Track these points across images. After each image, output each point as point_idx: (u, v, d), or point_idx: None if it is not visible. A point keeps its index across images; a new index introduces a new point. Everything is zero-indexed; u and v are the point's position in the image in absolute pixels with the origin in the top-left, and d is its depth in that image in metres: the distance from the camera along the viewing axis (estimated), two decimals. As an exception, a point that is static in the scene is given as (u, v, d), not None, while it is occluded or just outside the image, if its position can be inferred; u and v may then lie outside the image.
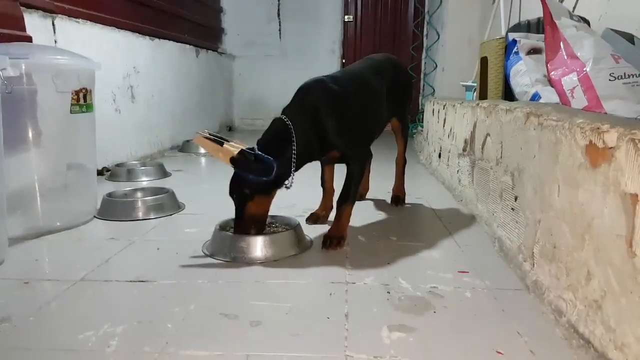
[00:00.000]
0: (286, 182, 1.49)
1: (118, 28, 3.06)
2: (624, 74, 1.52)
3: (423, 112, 5.18)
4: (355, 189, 1.62)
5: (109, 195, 2.04)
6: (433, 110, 3.22)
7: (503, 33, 3.01)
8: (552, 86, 1.68)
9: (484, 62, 2.57)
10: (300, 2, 5.37)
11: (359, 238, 1.68)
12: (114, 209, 1.95)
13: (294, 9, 5.38)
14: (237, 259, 1.45)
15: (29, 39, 2.18)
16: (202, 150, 3.76)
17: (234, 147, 1.42)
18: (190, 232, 1.76)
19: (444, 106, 2.82)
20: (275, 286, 1.28)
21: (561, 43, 1.66)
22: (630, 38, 1.75)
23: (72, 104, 1.77)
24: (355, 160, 1.62)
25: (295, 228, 1.58)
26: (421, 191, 2.42)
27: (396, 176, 2.18)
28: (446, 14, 4.50)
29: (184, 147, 3.83)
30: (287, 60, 5.47)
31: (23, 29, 2.20)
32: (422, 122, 5.03)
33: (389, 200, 2.20)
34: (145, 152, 3.41)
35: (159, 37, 3.66)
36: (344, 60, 5.52)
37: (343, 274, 1.34)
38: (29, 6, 2.28)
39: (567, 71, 1.62)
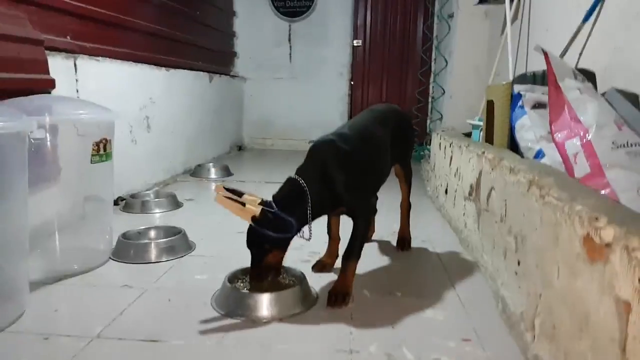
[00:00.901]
0: (304, 235, 1.58)
1: (135, 62, 3.15)
2: (627, 142, 1.56)
3: (430, 136, 5.24)
4: (360, 245, 1.67)
5: (124, 236, 2.10)
6: (440, 144, 3.27)
7: (510, 71, 3.06)
8: (556, 147, 1.72)
9: (490, 105, 2.62)
10: (310, 26, 5.46)
11: (364, 292, 1.72)
12: (128, 251, 2.01)
13: (304, 33, 5.48)
14: (244, 317, 1.50)
15: (52, 82, 2.26)
16: (213, 175, 3.84)
17: (253, 205, 1.48)
18: (201, 279, 1.82)
19: (450, 144, 2.86)
20: (279, 353, 1.33)
21: (565, 105, 1.70)
22: (635, 99, 1.78)
23: (92, 155, 1.84)
24: (361, 216, 1.69)
25: (301, 283, 1.63)
26: (427, 232, 2.46)
27: (401, 220, 2.23)
28: (454, 41, 4.55)
29: (196, 172, 3.91)
30: (297, 82, 5.56)
31: (47, 72, 2.28)
32: (430, 145, 5.08)
33: (394, 242, 2.25)
34: (159, 178, 3.49)
35: (174, 67, 3.74)
36: (352, 83, 5.60)
37: (347, 340, 1.39)
38: (53, 49, 2.36)
39: (571, 135, 1.66)
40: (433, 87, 5.25)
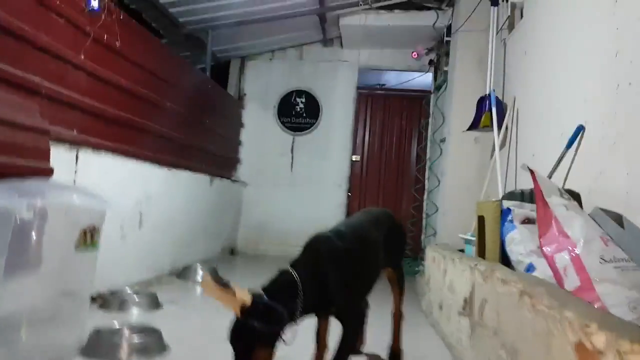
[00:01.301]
0: (287, 337, 1.45)
1: (136, 158, 3.23)
2: (614, 257, 1.56)
3: (425, 251, 5.21)
4: (347, 353, 1.58)
5: (96, 332, 1.99)
6: (434, 257, 3.24)
7: (500, 189, 3.13)
8: (546, 260, 1.71)
9: (481, 220, 2.65)
10: (312, 141, 5.78)
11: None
12: (98, 348, 1.90)
13: (306, 146, 5.78)
14: None
15: (50, 171, 2.29)
16: (199, 278, 3.75)
17: (243, 295, 1.39)
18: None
19: (444, 257, 2.84)
20: None
21: (552, 221, 1.72)
22: (619, 219, 1.81)
23: (78, 242, 1.81)
24: (351, 320, 1.63)
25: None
26: (420, 349, 2.34)
27: (393, 332, 2.13)
28: (446, 163, 4.73)
29: (183, 274, 3.81)
30: (296, 190, 5.71)
31: (47, 161, 2.33)
32: (424, 260, 5.04)
33: (384, 356, 2.12)
34: (144, 277, 3.39)
35: (176, 167, 3.84)
36: (349, 194, 5.76)
37: None
38: (59, 139, 2.43)
39: (560, 248, 1.65)
40: (427, 203, 5.35)
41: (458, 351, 2.25)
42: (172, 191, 3.81)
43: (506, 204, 2.16)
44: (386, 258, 1.95)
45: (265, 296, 1.42)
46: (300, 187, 5.73)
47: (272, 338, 1.42)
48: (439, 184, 4.91)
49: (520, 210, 2.08)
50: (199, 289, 3.56)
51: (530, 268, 1.87)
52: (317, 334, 1.82)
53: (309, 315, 1.57)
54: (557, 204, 1.76)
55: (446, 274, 2.75)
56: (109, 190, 2.86)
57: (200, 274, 3.81)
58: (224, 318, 2.63)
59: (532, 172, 1.92)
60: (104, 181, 2.81)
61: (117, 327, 2.13)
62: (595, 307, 1.45)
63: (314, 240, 1.66)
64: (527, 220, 2.03)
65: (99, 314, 2.54)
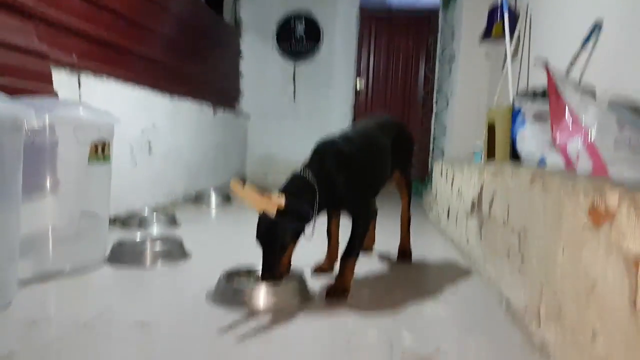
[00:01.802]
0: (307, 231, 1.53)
1: (139, 85, 3.20)
2: (629, 140, 1.56)
3: (432, 174, 5.25)
4: (359, 243, 1.64)
5: (119, 242, 2.06)
6: (441, 171, 3.27)
7: (511, 98, 3.10)
8: (558, 152, 1.72)
9: (491, 128, 2.64)
10: (314, 68, 5.60)
11: (363, 291, 1.67)
12: (122, 255, 1.97)
13: (308, 74, 5.62)
14: (240, 309, 1.44)
15: (55, 94, 2.29)
16: (214, 202, 3.82)
17: (276, 195, 1.45)
18: (196, 281, 1.77)
19: (452, 167, 2.86)
20: (277, 338, 1.27)
21: (566, 110, 1.72)
22: (635, 108, 1.79)
23: (90, 156, 1.83)
24: (361, 216, 1.67)
25: (299, 278, 1.59)
26: (429, 249, 2.41)
27: (401, 232, 2.19)
28: (455, 83, 4.65)
29: (197, 199, 3.89)
30: (300, 121, 5.64)
31: (51, 84, 2.32)
32: (432, 183, 5.08)
33: (395, 256, 2.20)
34: (159, 202, 3.46)
35: (178, 95, 3.81)
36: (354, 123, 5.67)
37: (345, 328, 1.33)
38: (58, 63, 2.41)
39: (572, 137, 1.66)
40: (435, 126, 5.31)
41: (466, 250, 2.32)
42: (177, 121, 3.80)
43: (517, 103, 2.15)
44: (394, 163, 1.98)
45: (294, 198, 1.46)
46: (304, 118, 5.65)
47: (298, 234, 1.51)
48: (448, 105, 4.86)
49: (532, 106, 2.07)
50: (214, 212, 3.64)
51: (541, 162, 1.89)
52: (329, 232, 1.90)
53: (322, 212, 1.63)
54: (571, 93, 1.74)
55: (454, 183, 2.79)
56: (118, 116, 2.85)
57: (213, 197, 3.88)
58: (241, 233, 2.72)
59: (545, 65, 1.89)
60: (109, 107, 2.77)
61: (140, 236, 2.20)
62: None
63: (321, 146, 1.69)
64: (539, 117, 2.02)
65: (119, 232, 2.62)
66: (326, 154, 1.65)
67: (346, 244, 1.64)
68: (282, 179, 5.86)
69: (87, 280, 1.76)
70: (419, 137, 5.48)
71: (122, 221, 2.78)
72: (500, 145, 2.42)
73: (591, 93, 2.09)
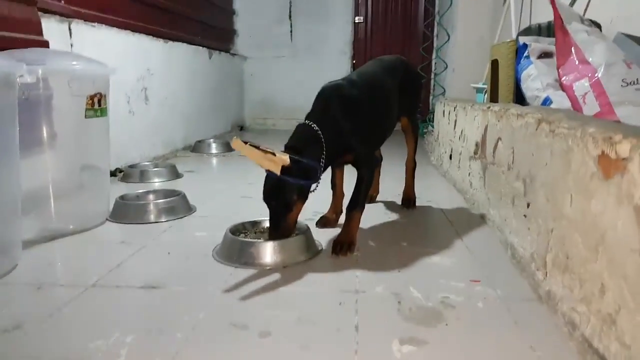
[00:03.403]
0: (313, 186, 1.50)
1: (132, 31, 3.09)
2: (637, 79, 1.51)
3: (434, 112, 5.17)
4: (365, 195, 1.62)
5: (122, 197, 2.06)
6: (444, 111, 3.21)
7: (514, 35, 2.98)
8: (564, 91, 1.67)
9: (494, 64, 2.56)
10: (311, 3, 5.37)
11: (369, 243, 1.68)
12: (126, 212, 1.97)
13: (305, 10, 5.39)
14: (247, 265, 1.45)
15: (45, 44, 2.21)
16: (214, 151, 3.79)
17: (281, 153, 1.40)
18: (201, 236, 1.78)
19: (454, 108, 2.81)
20: (284, 294, 1.28)
21: (572, 48, 1.65)
22: (644, 42, 1.72)
23: (86, 109, 1.79)
24: (366, 165, 1.64)
25: (305, 233, 1.59)
26: (432, 194, 2.41)
27: (406, 179, 2.18)
28: (456, 14, 4.47)
29: (196, 148, 3.86)
30: (298, 60, 5.48)
31: (40, 33, 2.23)
32: (433, 122, 5.02)
33: (399, 202, 2.20)
34: (158, 152, 3.44)
35: (172, 40, 3.68)
36: (354, 61, 5.52)
37: (353, 282, 1.35)
38: (47, 11, 2.30)
39: (579, 76, 1.60)
40: (436, 62, 5.17)
41: (470, 194, 2.31)
42: (173, 66, 3.70)
43: (522, 39, 2.07)
44: (402, 107, 1.92)
45: (299, 155, 1.42)
46: (302, 58, 5.49)
47: (307, 192, 1.48)
48: (449, 39, 4.70)
49: (537, 44, 1.99)
50: (215, 160, 3.62)
51: (546, 101, 1.84)
52: (333, 182, 1.87)
53: (330, 164, 1.61)
54: (577, 30, 1.67)
55: (456, 123, 2.74)
56: (109, 63, 2.77)
57: (213, 146, 3.84)
58: (243, 182, 2.71)
59: (552, -1, 1.80)
60: (102, 55, 2.67)
61: (142, 192, 2.19)
62: (615, 129, 1.44)
63: (327, 90, 1.62)
64: (544, 54, 1.95)
65: (121, 186, 2.62)
66: (331, 99, 1.58)
67: (352, 196, 1.63)
68: (282, 123, 5.83)
69: (91, 238, 1.77)
70: (420, 74, 5.34)
71: (123, 174, 2.77)
72: (504, 84, 2.36)
73: (597, 25, 2.01)
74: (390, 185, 2.37)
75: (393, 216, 2.03)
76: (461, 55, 4.39)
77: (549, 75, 1.86)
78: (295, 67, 5.48)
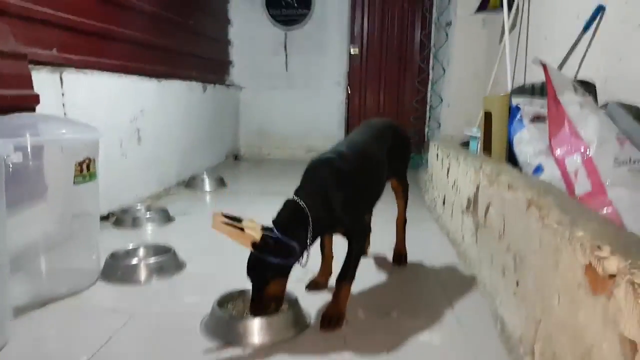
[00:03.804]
0: (300, 261, 1.50)
1: (125, 73, 3.09)
2: (630, 159, 1.51)
3: (428, 144, 5.19)
4: (354, 266, 1.61)
5: (112, 256, 2.04)
6: (437, 155, 3.22)
7: (509, 78, 3.01)
8: (556, 164, 1.67)
9: (487, 116, 2.57)
10: (306, 35, 5.40)
11: (358, 314, 1.66)
12: (116, 272, 1.96)
13: (300, 41, 5.42)
14: (234, 343, 1.44)
15: (36, 98, 2.20)
16: (207, 188, 3.78)
17: (254, 230, 1.40)
18: (190, 303, 1.76)
19: (447, 155, 2.81)
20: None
21: (565, 120, 1.66)
22: (637, 113, 1.73)
23: (75, 175, 1.78)
24: (357, 237, 1.63)
25: (293, 307, 1.58)
26: (424, 244, 2.40)
27: (397, 235, 2.18)
28: (452, 50, 4.52)
29: (190, 183, 3.85)
30: (293, 91, 5.51)
31: (30, 87, 2.22)
32: (427, 156, 5.03)
33: (390, 257, 2.20)
34: (152, 191, 3.43)
35: (166, 77, 3.69)
36: (349, 92, 5.55)
37: (341, 368, 1.33)
38: (37, 63, 2.31)
39: (571, 151, 1.61)
40: (431, 95, 5.20)
41: (462, 248, 2.31)
42: (167, 103, 3.70)
43: (515, 100, 2.08)
44: (391, 169, 1.93)
45: (275, 230, 1.43)
46: (297, 88, 5.51)
47: (285, 269, 1.47)
48: (444, 73, 4.73)
49: (530, 107, 2.00)
50: (208, 197, 3.61)
51: (538, 169, 1.84)
52: (322, 246, 1.87)
53: (319, 237, 1.61)
54: (570, 102, 1.68)
55: (449, 172, 2.75)
56: (102, 110, 2.79)
57: (206, 182, 3.83)
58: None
59: (544, 66, 1.81)
60: (94, 101, 2.72)
61: (132, 248, 2.18)
62: (606, 211, 1.44)
63: (317, 165, 1.63)
64: (537, 118, 1.96)
65: (113, 233, 2.61)
66: (320, 175, 1.59)
67: (342, 267, 1.62)
68: (277, 153, 5.80)
69: (83, 304, 1.74)
70: (414, 107, 5.38)
71: (115, 219, 2.76)
72: (496, 141, 2.37)
73: (591, 90, 2.02)
74: (382, 234, 2.35)
75: (383, 275, 2.02)
76: (456, 90, 4.42)
77: (542, 141, 1.86)
78: (291, 97, 5.50)
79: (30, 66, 2.22)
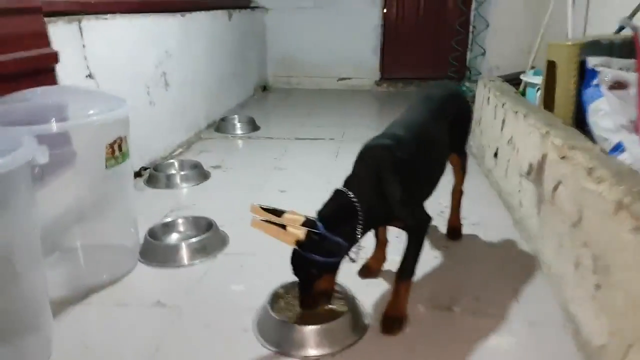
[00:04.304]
0: (352, 255, 1.38)
1: (147, 12, 2.84)
2: None
3: (470, 71, 4.83)
4: (415, 261, 1.48)
5: (151, 233, 1.97)
6: (489, 99, 2.95)
7: (569, 13, 2.64)
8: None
9: (551, 66, 2.29)
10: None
11: (418, 309, 1.57)
12: (157, 254, 1.89)
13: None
14: (290, 353, 1.37)
15: (54, 56, 2.03)
16: (239, 131, 3.63)
17: (296, 226, 1.28)
18: (239, 291, 1.69)
19: (502, 105, 2.55)
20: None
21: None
22: None
23: (107, 159, 1.65)
24: (417, 229, 1.49)
25: (352, 308, 1.49)
26: (476, 205, 2.25)
27: (452, 208, 2.03)
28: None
29: (221, 127, 3.69)
30: (323, 12, 5.08)
31: (47, 45, 2.04)
32: (467, 82, 4.71)
33: (440, 227, 2.07)
34: (182, 138, 3.30)
35: (190, 10, 3.40)
36: (385, 10, 5.09)
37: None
38: (53, 14, 2.09)
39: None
40: (475, 16, 4.72)
41: (519, 216, 2.15)
42: (191, 39, 3.45)
43: (591, 62, 1.80)
44: (452, 144, 1.74)
45: (321, 226, 1.29)
46: (327, 8, 5.07)
47: (333, 266, 1.35)
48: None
49: (609, 71, 1.73)
50: (241, 144, 3.47)
51: (618, 148, 1.62)
52: (376, 230, 1.74)
53: (371, 230, 1.47)
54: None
55: (505, 124, 2.51)
56: (125, 57, 2.59)
57: (238, 126, 3.68)
58: (274, 178, 2.57)
59: (635, 32, 1.53)
60: (117, 49, 2.53)
61: (171, 221, 2.10)
62: None
63: (371, 152, 1.44)
64: (619, 85, 1.70)
65: (147, 193, 2.54)
66: (376, 165, 1.40)
67: (401, 262, 1.48)
68: (307, 82, 5.54)
69: (126, 296, 1.67)
70: (456, 29, 4.89)
71: (148, 176, 2.67)
72: (561, 99, 2.11)
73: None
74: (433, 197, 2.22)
75: (438, 256, 1.89)
76: (504, 15, 4.00)
77: (623, 113, 1.62)
78: (320, 19, 5.09)
79: (45, 19, 2.02)
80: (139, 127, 2.69)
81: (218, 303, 1.64)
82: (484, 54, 4.39)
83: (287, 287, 1.60)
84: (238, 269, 1.83)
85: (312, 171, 2.81)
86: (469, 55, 4.85)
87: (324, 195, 1.40)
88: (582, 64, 1.94)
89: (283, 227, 1.26)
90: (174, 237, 2.04)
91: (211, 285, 1.74)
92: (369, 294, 1.63)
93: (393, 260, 1.74)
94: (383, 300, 1.58)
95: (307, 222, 1.29)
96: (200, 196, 2.51)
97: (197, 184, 2.66)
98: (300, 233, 1.26)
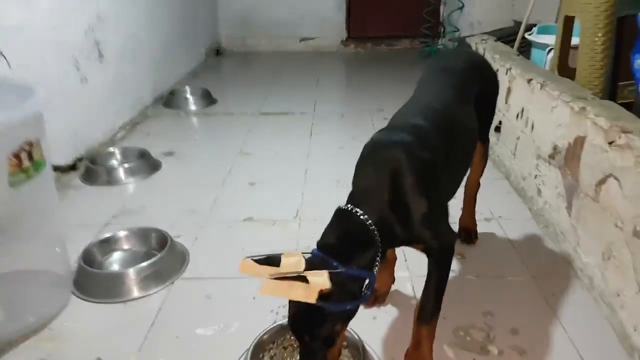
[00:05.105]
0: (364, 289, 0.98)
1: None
2: None
3: (444, 27, 4.43)
4: (440, 298, 1.10)
5: (86, 256, 1.51)
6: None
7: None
8: None
9: (568, 22, 1.92)
10: None
11: (445, 352, 1.21)
12: (95, 285, 1.44)
13: None
14: None
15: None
16: (192, 106, 3.14)
17: (315, 272, 0.85)
18: (205, 338, 1.28)
19: (507, 70, 2.16)
20: None
21: None
22: None
23: (12, 174, 1.17)
24: (442, 253, 1.09)
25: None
26: (483, 196, 1.88)
27: (465, 204, 1.65)
28: None
29: (170, 102, 3.17)
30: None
31: None
32: (444, 40, 4.31)
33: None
34: (124, 119, 2.77)
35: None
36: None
37: None
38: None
39: None
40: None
41: (538, 207, 1.82)
42: (128, 1, 2.87)
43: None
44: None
45: (334, 262, 0.89)
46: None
47: (352, 314, 0.96)
48: None
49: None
50: (196, 122, 2.98)
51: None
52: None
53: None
54: None
55: (510, 94, 2.14)
56: (46, 22, 2.04)
57: (190, 100, 3.16)
58: (240, 168, 2.18)
59: None
60: (36, 12, 1.99)
61: (112, 236, 1.64)
62: None
63: (382, 152, 1.04)
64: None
65: (83, 192, 2.06)
66: (393, 171, 1.00)
67: (422, 296, 1.10)
68: (265, 44, 4.97)
69: (59, 350, 1.25)
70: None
71: (85, 171, 2.17)
72: (587, 59, 1.76)
73: None
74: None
75: (454, 268, 1.52)
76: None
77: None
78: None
79: None
80: (69, 110, 2.22)
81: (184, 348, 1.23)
82: (461, 7, 3.96)
83: (272, 334, 1.20)
84: (204, 303, 1.41)
85: (284, 156, 2.37)
86: (442, 8, 4.41)
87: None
88: (620, 21, 1.58)
89: (304, 280, 0.84)
90: (116, 258, 1.59)
91: (169, 329, 1.31)
92: (378, 331, 1.27)
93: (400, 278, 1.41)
94: (398, 340, 1.22)
95: (316, 262, 0.89)
96: (150, 194, 2.05)
97: (145, 178, 2.18)
98: (324, 280, 0.85)
